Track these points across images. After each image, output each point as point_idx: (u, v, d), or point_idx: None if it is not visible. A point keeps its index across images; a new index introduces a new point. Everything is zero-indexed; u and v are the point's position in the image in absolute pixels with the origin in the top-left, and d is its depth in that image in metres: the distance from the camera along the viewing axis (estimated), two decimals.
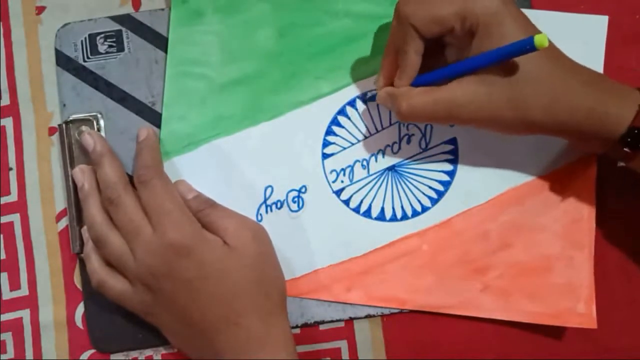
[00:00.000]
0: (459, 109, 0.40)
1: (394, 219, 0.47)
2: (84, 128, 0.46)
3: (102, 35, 0.47)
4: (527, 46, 0.37)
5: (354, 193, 0.47)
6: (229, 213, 0.44)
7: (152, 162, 0.44)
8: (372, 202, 0.47)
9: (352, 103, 0.47)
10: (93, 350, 0.46)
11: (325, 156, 0.47)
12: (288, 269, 0.46)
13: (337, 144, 0.47)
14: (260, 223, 0.46)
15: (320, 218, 0.47)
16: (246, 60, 0.47)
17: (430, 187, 0.47)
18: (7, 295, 0.47)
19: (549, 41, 0.39)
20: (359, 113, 0.47)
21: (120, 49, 0.47)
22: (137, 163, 0.44)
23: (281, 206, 0.47)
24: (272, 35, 0.47)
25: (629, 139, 0.39)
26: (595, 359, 0.47)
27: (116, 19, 0.48)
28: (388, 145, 0.47)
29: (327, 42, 0.47)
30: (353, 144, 0.47)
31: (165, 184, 0.43)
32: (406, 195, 0.47)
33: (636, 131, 0.38)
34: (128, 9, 0.48)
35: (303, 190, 0.47)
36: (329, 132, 0.47)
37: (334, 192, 0.47)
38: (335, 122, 0.47)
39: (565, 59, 0.41)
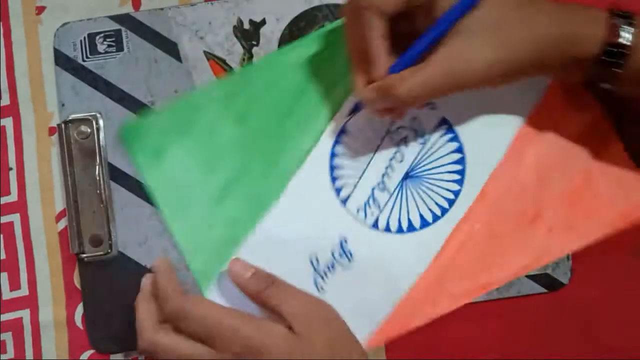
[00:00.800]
0: (458, 74, 0.39)
1: (436, 219, 0.47)
2: (83, 128, 0.46)
3: (102, 34, 0.47)
4: None
5: (389, 217, 0.47)
6: (293, 293, 0.42)
7: (173, 292, 0.41)
8: (408, 215, 0.47)
9: (338, 142, 0.47)
10: (93, 350, 0.46)
11: (344, 202, 0.47)
12: (371, 319, 0.46)
13: (347, 184, 0.47)
14: (324, 294, 0.46)
15: (374, 257, 0.46)
16: (224, 161, 0.46)
17: (449, 172, 0.47)
18: (7, 295, 0.47)
19: None
20: (348, 146, 0.47)
21: (120, 48, 0.47)
22: (162, 303, 0.41)
23: (333, 268, 0.46)
24: (233, 125, 0.47)
25: (605, 57, 0.38)
26: (595, 359, 0.47)
27: (116, 18, 0.48)
28: (391, 158, 0.47)
29: (285, 102, 0.47)
30: (361, 176, 0.47)
31: (203, 302, 0.42)
32: (434, 192, 0.47)
33: (611, 46, 0.38)
34: (128, 9, 0.48)
35: (344, 242, 0.47)
36: (334, 178, 0.47)
37: (371, 227, 0.47)
38: (333, 167, 0.47)
39: None
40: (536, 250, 0.46)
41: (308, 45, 0.47)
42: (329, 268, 0.46)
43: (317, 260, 0.46)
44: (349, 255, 0.46)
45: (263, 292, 0.42)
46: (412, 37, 0.41)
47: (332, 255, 0.46)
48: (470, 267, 0.46)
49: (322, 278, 0.46)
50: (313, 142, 0.47)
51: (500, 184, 0.47)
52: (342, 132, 0.47)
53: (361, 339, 0.45)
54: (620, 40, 0.38)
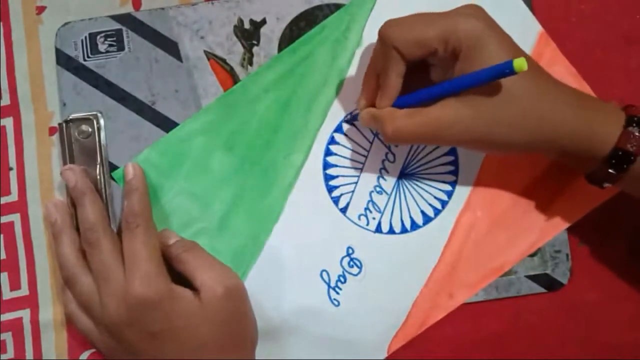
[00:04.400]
0: (444, 131, 0.40)
1: (437, 212, 0.47)
2: (84, 127, 0.46)
3: (103, 34, 0.47)
4: (506, 70, 0.37)
5: (391, 218, 0.47)
6: (208, 262, 0.43)
7: (140, 208, 0.43)
8: (410, 214, 0.47)
9: (329, 152, 0.47)
10: (92, 350, 0.46)
11: (344, 210, 0.47)
12: (391, 322, 0.46)
13: (345, 193, 0.47)
14: (341, 307, 0.46)
15: (383, 261, 0.47)
16: (220, 190, 0.47)
17: (443, 165, 0.47)
18: (7, 295, 0.47)
19: (533, 60, 0.40)
20: (340, 155, 0.47)
21: (121, 48, 0.47)
22: (126, 208, 0.43)
23: (345, 279, 0.46)
24: (223, 154, 0.47)
25: (613, 160, 0.39)
26: (595, 359, 0.47)
27: (116, 18, 0.48)
28: (384, 160, 0.47)
29: (270, 121, 0.47)
30: (357, 182, 0.47)
31: (148, 234, 0.42)
32: (431, 187, 0.47)
33: (620, 152, 0.38)
34: (128, 9, 0.48)
35: (351, 251, 0.47)
36: (330, 189, 0.47)
37: (375, 232, 0.47)
38: (328, 177, 0.47)
39: (550, 77, 0.41)
40: (541, 226, 0.47)
41: (284, 61, 0.48)
42: (340, 280, 0.46)
43: (328, 274, 0.46)
44: (358, 264, 0.46)
45: (181, 254, 0.42)
46: (424, 81, 0.43)
47: (342, 266, 0.46)
48: (480, 254, 0.47)
49: (336, 292, 0.46)
50: (304, 156, 0.47)
51: (494, 167, 0.47)
52: (331, 142, 0.47)
53: (384, 343, 0.46)
54: (629, 147, 0.38)
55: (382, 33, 0.41)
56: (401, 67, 0.41)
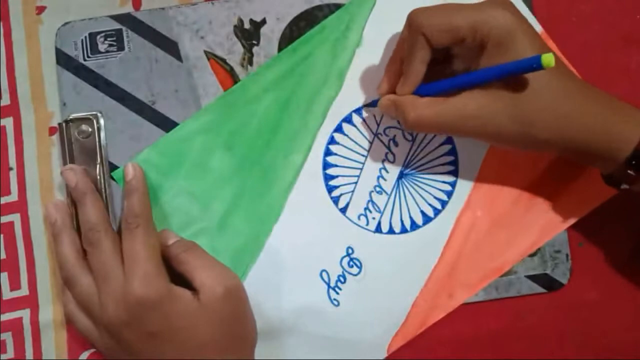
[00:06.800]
0: (466, 122, 0.40)
1: (437, 212, 0.47)
2: (84, 127, 0.46)
3: (103, 34, 0.48)
4: (533, 64, 0.37)
5: (391, 218, 0.47)
6: (207, 263, 0.43)
7: (140, 208, 0.43)
8: (410, 214, 0.47)
9: (328, 152, 0.47)
10: (92, 350, 0.46)
11: (344, 210, 0.47)
12: (390, 322, 0.46)
13: (344, 193, 0.47)
14: (340, 307, 0.46)
15: (383, 261, 0.47)
16: (220, 189, 0.47)
17: (443, 165, 0.47)
18: (7, 295, 0.47)
19: (558, 59, 0.40)
20: (340, 155, 0.47)
21: (121, 47, 0.48)
22: (126, 208, 0.43)
23: (345, 279, 0.46)
24: (223, 153, 0.47)
25: (633, 162, 0.39)
26: (594, 359, 0.47)
27: (116, 18, 0.48)
28: (383, 159, 0.47)
29: (270, 122, 0.47)
30: (357, 182, 0.47)
31: (148, 235, 0.42)
32: (430, 186, 0.47)
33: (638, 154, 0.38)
34: (128, 9, 0.48)
35: (350, 251, 0.47)
36: (330, 189, 0.47)
37: (375, 232, 0.47)
38: (327, 178, 0.47)
39: (576, 77, 0.41)
40: (541, 225, 0.47)
41: (284, 61, 0.48)
42: (340, 280, 0.46)
43: (327, 274, 0.46)
44: (357, 264, 0.46)
45: (180, 254, 0.42)
46: (446, 72, 0.43)
47: (341, 266, 0.46)
48: (480, 254, 0.47)
49: (336, 291, 0.46)
50: (304, 156, 0.47)
51: (494, 167, 0.47)
52: (331, 142, 0.47)
53: (384, 343, 0.46)
54: None
55: (411, 18, 0.41)
56: (426, 54, 0.41)
